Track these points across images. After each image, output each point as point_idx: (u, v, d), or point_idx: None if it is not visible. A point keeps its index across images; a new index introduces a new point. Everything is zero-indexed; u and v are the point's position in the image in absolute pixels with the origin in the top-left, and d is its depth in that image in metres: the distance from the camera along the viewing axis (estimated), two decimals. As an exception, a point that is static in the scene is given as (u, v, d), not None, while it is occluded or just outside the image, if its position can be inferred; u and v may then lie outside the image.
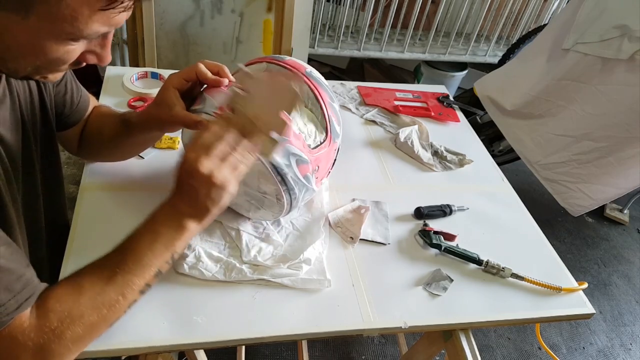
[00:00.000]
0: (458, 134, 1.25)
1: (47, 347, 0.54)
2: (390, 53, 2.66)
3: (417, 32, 2.71)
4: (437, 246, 0.88)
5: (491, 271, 0.86)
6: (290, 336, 0.72)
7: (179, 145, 1.00)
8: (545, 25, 1.81)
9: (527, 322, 0.84)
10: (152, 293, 0.70)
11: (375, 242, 0.88)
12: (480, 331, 1.78)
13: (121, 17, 0.50)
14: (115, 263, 0.59)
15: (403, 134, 1.13)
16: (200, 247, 0.78)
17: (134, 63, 2.01)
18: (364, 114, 1.24)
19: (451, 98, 1.37)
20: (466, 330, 0.82)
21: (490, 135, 1.94)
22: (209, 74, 0.71)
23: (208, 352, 0.91)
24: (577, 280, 0.89)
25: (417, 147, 1.12)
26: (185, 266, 0.74)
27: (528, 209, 1.04)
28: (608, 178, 1.34)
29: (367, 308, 0.76)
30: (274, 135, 0.61)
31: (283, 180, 0.71)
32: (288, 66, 0.80)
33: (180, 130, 0.80)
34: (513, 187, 1.09)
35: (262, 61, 0.82)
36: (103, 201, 0.85)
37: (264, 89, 0.62)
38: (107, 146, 0.84)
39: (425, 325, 0.78)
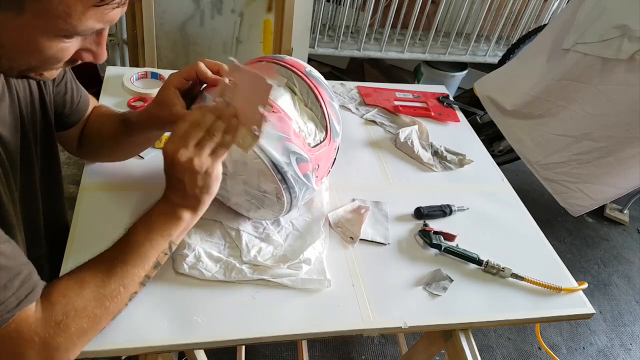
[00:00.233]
0: (458, 134, 1.25)
1: (53, 341, 0.54)
2: (390, 53, 2.66)
3: (417, 32, 2.70)
4: (437, 246, 0.87)
5: (491, 271, 0.86)
6: (290, 336, 0.72)
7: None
8: (545, 25, 1.81)
9: (527, 322, 0.84)
10: (152, 293, 0.71)
11: (375, 242, 0.88)
12: (480, 331, 1.78)
13: (115, 13, 0.50)
14: (115, 256, 0.60)
15: (403, 134, 1.13)
16: (200, 247, 0.77)
17: (134, 63, 2.01)
18: (364, 114, 1.24)
19: (451, 98, 1.37)
20: (466, 330, 0.82)
21: (490, 135, 1.94)
22: (209, 73, 0.71)
23: (208, 352, 0.91)
24: (577, 280, 0.89)
25: (417, 147, 1.12)
26: (185, 266, 0.74)
27: (528, 209, 1.04)
28: (608, 178, 1.34)
29: (367, 308, 0.76)
30: (254, 129, 0.61)
31: (283, 178, 0.71)
32: (288, 65, 0.80)
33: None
34: (513, 187, 1.09)
35: (261, 61, 0.82)
36: (103, 201, 0.85)
37: (246, 82, 0.62)
38: (107, 146, 0.84)
39: (425, 325, 0.78)
